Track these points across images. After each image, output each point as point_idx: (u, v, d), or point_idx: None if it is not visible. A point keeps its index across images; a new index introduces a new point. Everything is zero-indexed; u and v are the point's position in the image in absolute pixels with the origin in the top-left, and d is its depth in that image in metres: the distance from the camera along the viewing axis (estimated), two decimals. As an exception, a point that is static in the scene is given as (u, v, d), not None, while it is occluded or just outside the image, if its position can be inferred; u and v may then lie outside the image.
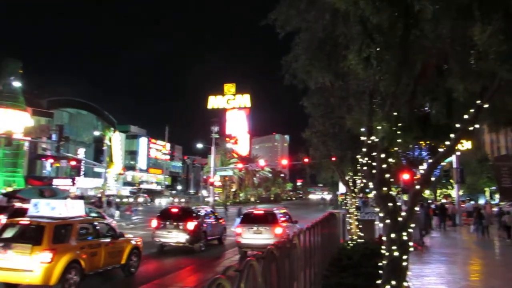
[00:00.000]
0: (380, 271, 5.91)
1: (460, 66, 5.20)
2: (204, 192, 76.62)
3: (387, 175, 5.83)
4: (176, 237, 16.41)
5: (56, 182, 55.32)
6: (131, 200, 56.13)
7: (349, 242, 15.01)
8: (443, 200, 38.15)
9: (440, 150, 5.96)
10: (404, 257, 5.59)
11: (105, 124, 78.45)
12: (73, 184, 58.14)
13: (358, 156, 10.64)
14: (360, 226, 16.24)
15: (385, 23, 5.35)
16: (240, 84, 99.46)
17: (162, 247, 16.88)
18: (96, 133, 74.42)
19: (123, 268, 11.52)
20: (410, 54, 5.59)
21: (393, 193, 6.08)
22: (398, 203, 6.05)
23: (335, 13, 6.21)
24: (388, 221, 5.67)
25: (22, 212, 13.86)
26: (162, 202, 63.74)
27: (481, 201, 45.28)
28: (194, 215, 17.50)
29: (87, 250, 10.00)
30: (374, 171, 6.02)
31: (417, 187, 5.80)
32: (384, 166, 5.80)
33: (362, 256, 11.28)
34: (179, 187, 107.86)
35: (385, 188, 5.80)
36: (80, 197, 42.93)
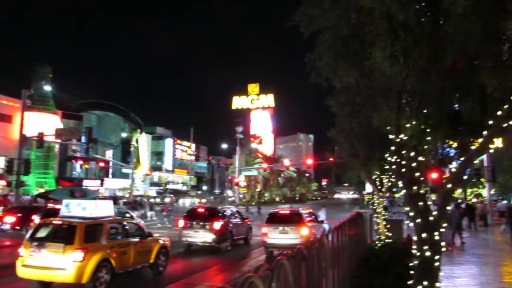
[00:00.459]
0: (411, 272, 5.80)
1: (492, 61, 5.05)
2: (229, 192, 77.10)
3: (417, 174, 5.71)
4: (202, 236, 16.57)
5: (85, 183, 56.92)
6: (157, 200, 56.96)
7: (377, 242, 14.79)
8: (474, 200, 37.13)
9: (472, 147, 5.79)
10: (436, 257, 5.47)
11: (131, 126, 79.88)
12: (102, 185, 59.52)
13: (387, 155, 10.45)
14: (388, 226, 15.98)
15: (412, 19, 5.25)
16: (264, 84, 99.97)
17: (189, 247, 17.07)
18: (123, 134, 75.85)
19: (151, 267, 11.72)
20: (439, 50, 5.46)
21: (422, 192, 5.96)
22: (429, 202, 5.93)
23: (360, 10, 6.14)
24: (418, 220, 5.55)
25: (54, 212, 14.33)
26: (185, 202, 64.46)
27: (514, 201, 43.79)
28: (220, 215, 17.63)
29: (117, 249, 10.21)
30: (403, 170, 5.91)
31: (449, 185, 5.65)
32: (414, 164, 5.69)
33: (391, 257, 11.10)
34: (204, 188, 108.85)
35: (415, 187, 5.68)
36: (114, 197, 43.97)
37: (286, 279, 3.20)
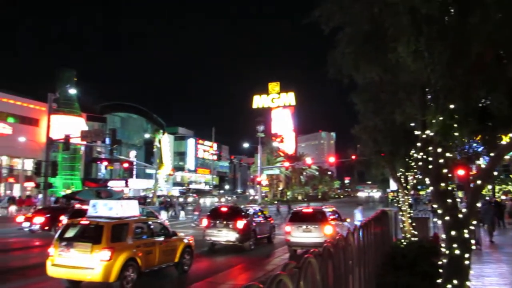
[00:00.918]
0: (440, 270, 5.68)
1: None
2: (251, 191, 77.26)
3: (445, 170, 5.59)
4: (226, 235, 16.65)
5: (110, 183, 58.00)
6: (180, 199, 57.60)
7: (402, 240, 14.55)
8: (502, 197, 36.16)
9: (502, 143, 5.62)
10: (466, 255, 5.34)
11: (154, 127, 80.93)
12: (127, 185, 60.51)
13: (412, 152, 10.25)
14: (414, 224, 15.70)
15: (436, 12, 5.13)
16: (284, 82, 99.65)
17: (213, 246, 17.18)
18: (146, 135, 76.90)
19: (176, 266, 11.84)
20: (464, 43, 5.32)
21: (450, 188, 5.83)
22: (457, 199, 5.79)
23: (383, 4, 6.03)
24: (447, 218, 5.43)
25: (81, 213, 14.66)
26: (206, 201, 64.86)
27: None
28: (243, 214, 17.67)
29: (143, 249, 10.36)
30: (430, 167, 5.79)
31: (479, 182, 5.51)
32: (441, 161, 5.57)
33: (417, 255, 10.91)
34: (226, 187, 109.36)
35: (443, 184, 5.56)
36: (144, 197, 44.73)
37: (313, 277, 3.19)
